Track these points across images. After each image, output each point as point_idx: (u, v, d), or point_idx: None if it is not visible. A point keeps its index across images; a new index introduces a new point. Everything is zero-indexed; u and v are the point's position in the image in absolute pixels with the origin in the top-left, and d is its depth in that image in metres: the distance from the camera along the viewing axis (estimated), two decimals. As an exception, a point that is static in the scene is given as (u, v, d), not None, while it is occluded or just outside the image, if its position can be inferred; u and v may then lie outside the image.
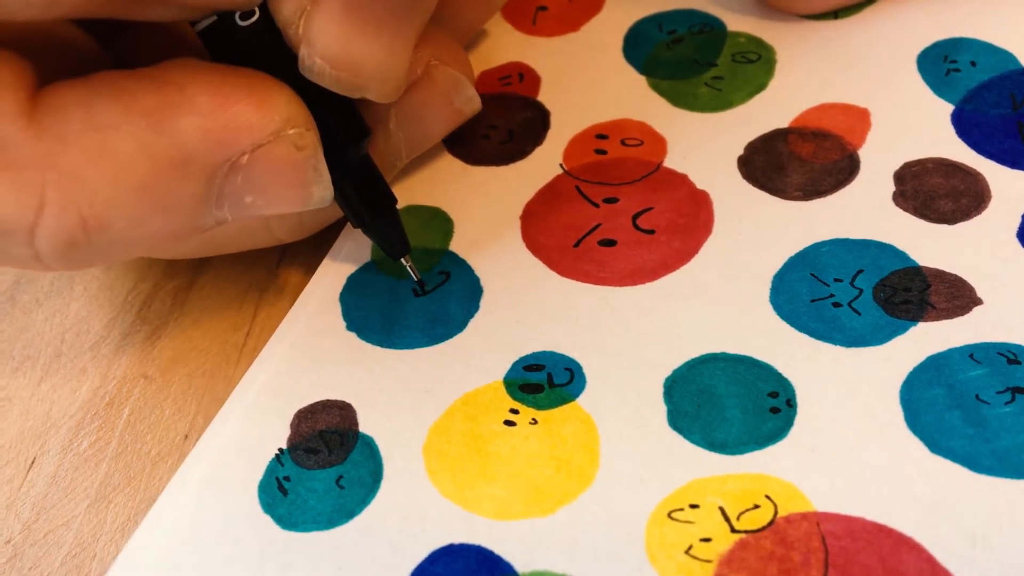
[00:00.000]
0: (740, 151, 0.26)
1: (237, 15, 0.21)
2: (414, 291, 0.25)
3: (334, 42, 0.20)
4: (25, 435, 0.24)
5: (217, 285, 0.27)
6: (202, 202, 0.20)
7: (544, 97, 0.29)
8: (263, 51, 0.21)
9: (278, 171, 0.20)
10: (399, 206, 0.24)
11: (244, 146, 0.20)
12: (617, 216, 0.25)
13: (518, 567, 0.20)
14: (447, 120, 0.26)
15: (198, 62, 0.20)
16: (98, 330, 0.26)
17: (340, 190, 0.23)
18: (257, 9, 0.21)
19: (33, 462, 0.24)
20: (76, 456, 0.24)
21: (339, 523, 0.21)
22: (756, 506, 0.20)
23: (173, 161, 0.19)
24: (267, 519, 0.21)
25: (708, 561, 0.19)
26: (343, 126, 0.22)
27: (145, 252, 0.21)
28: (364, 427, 0.22)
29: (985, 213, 0.24)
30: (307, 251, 0.27)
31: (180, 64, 0.20)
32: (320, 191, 0.21)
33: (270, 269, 0.27)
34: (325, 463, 0.22)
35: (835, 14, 0.29)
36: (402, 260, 0.25)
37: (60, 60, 0.21)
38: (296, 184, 0.21)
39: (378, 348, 0.24)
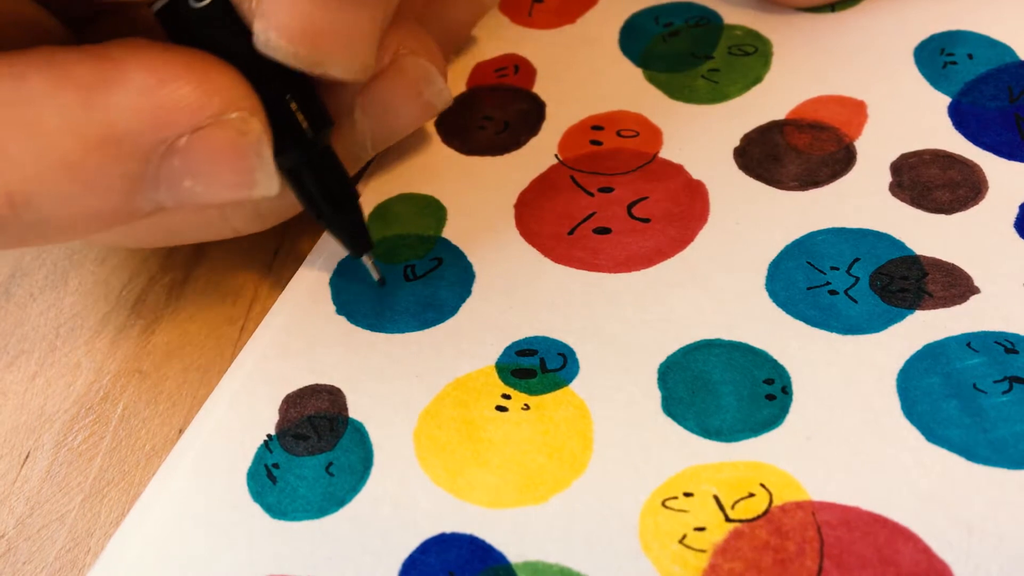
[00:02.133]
0: (736, 142, 0.26)
1: None
2: (404, 274, 0.25)
3: (291, 13, 0.19)
4: (19, 430, 0.24)
5: (212, 279, 0.27)
6: (136, 183, 0.19)
7: (539, 89, 0.29)
8: (218, 34, 0.20)
9: (218, 156, 0.19)
10: (393, 194, 0.24)
11: (181, 127, 0.19)
12: (612, 205, 0.25)
13: (511, 557, 0.20)
14: (416, 113, 0.25)
15: (145, 41, 0.19)
16: (93, 324, 0.26)
17: (298, 181, 0.22)
18: None
19: (27, 457, 0.24)
20: (70, 451, 0.23)
21: (329, 512, 0.21)
22: (751, 495, 0.20)
23: (102, 139, 0.18)
24: (256, 508, 0.21)
25: (702, 551, 0.19)
26: (303, 114, 0.21)
27: (86, 233, 0.20)
28: (354, 412, 0.22)
29: (982, 204, 0.24)
30: (303, 245, 0.27)
31: (125, 42, 0.19)
32: (264, 180, 0.20)
33: (265, 263, 0.27)
34: (314, 449, 0.22)
35: (832, 7, 0.29)
36: (363, 258, 0.24)
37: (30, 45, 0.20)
38: (238, 171, 0.20)
39: (368, 332, 0.24)
